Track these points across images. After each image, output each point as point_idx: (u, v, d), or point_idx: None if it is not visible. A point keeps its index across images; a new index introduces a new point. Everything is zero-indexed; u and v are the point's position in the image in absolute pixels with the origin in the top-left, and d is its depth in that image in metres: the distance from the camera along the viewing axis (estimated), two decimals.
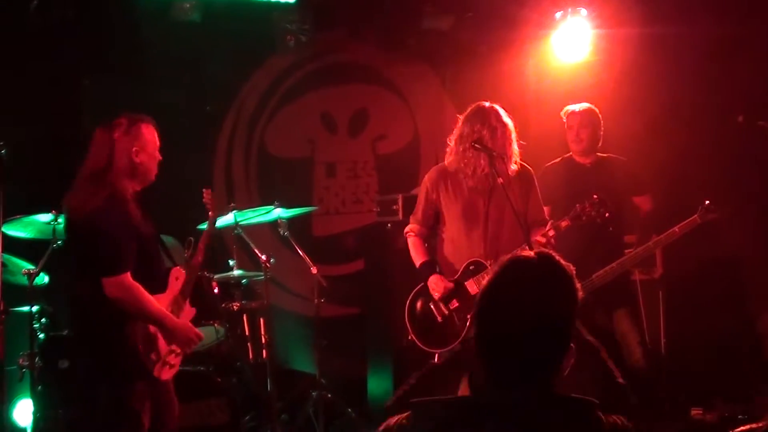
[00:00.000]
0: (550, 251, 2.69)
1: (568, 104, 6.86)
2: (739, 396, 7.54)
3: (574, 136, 6.74)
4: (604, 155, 6.81)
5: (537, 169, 6.32)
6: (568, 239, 5.95)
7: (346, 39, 9.02)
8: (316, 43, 8.81)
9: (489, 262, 5.80)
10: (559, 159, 6.89)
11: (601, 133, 6.73)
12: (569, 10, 8.39)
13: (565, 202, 6.12)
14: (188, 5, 8.08)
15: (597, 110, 6.74)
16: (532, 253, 2.64)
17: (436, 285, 5.92)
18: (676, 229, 6.36)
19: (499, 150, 5.80)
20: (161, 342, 4.98)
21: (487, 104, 5.96)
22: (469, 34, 8.97)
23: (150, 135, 5.16)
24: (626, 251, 6.67)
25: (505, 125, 5.90)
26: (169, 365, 5.03)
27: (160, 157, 5.24)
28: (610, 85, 8.10)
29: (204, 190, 6.11)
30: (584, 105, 6.78)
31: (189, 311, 5.37)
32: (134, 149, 5.03)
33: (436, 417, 2.51)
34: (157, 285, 5.09)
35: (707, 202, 6.31)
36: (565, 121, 6.79)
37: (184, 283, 5.34)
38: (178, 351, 5.09)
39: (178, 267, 5.38)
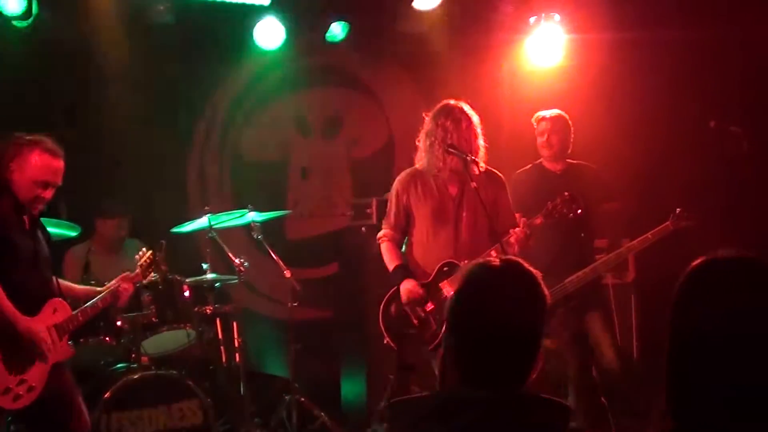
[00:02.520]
0: (517, 258, 2.74)
1: (542, 109, 6.89)
2: None
3: (545, 142, 6.78)
4: (575, 162, 6.85)
5: (509, 174, 6.34)
6: (539, 244, 5.98)
7: (320, 42, 9.00)
8: (290, 46, 8.78)
9: (463, 263, 5.79)
10: (529, 165, 6.91)
11: (572, 139, 6.78)
12: (543, 15, 8.44)
13: (535, 208, 6.12)
14: (162, 7, 8.06)
15: (567, 117, 6.78)
16: (497, 261, 2.69)
17: (409, 291, 5.88)
18: (649, 235, 6.41)
19: (465, 144, 5.82)
20: (4, 372, 4.95)
21: (452, 101, 6.00)
22: (443, 38, 8.99)
23: (37, 162, 5.10)
24: (597, 256, 6.71)
25: (469, 118, 5.91)
26: (15, 395, 4.97)
27: (45, 195, 5.18)
28: (583, 89, 8.14)
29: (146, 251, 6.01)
30: (555, 111, 6.81)
31: (64, 350, 5.27)
32: (11, 165, 5.04)
33: (412, 413, 2.59)
34: (24, 307, 5.01)
35: (679, 209, 6.36)
36: (535, 127, 6.83)
37: (66, 319, 5.28)
38: (33, 384, 5.04)
39: (61, 300, 5.33)
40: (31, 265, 5.16)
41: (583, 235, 6.58)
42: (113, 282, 5.65)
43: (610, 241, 6.99)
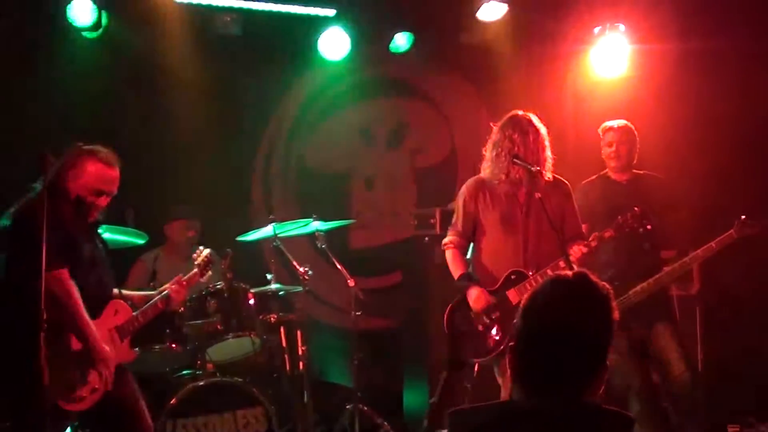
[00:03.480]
0: (587, 272, 2.79)
1: (606, 119, 6.85)
2: None
3: (611, 153, 6.74)
4: (641, 172, 6.81)
5: (574, 184, 6.32)
6: (605, 255, 5.95)
7: (384, 53, 9.04)
8: (355, 57, 8.83)
9: (530, 272, 5.82)
10: (595, 176, 6.89)
11: (638, 150, 6.74)
12: (607, 25, 8.40)
13: (602, 219, 6.12)
14: (229, 18, 8.16)
15: (633, 127, 6.74)
16: (569, 274, 2.76)
17: (478, 297, 5.89)
18: (713, 245, 6.36)
19: (531, 156, 5.84)
20: (67, 374, 5.00)
21: (520, 112, 6.01)
22: (507, 49, 8.98)
23: (92, 171, 5.19)
24: (664, 268, 6.65)
25: (537, 130, 5.92)
26: (78, 397, 5.03)
27: (99, 203, 5.26)
28: (648, 100, 8.08)
29: (203, 249, 6.14)
30: (621, 122, 6.77)
31: (125, 353, 5.36)
32: (69, 174, 5.12)
33: (472, 422, 2.63)
34: (86, 308, 5.06)
35: (743, 216, 6.31)
36: (602, 137, 6.80)
37: (127, 321, 5.35)
38: (96, 386, 5.10)
39: (122, 302, 5.40)
40: (89, 268, 5.23)
41: (647, 246, 6.53)
42: (169, 283, 5.72)
43: (677, 253, 6.92)
